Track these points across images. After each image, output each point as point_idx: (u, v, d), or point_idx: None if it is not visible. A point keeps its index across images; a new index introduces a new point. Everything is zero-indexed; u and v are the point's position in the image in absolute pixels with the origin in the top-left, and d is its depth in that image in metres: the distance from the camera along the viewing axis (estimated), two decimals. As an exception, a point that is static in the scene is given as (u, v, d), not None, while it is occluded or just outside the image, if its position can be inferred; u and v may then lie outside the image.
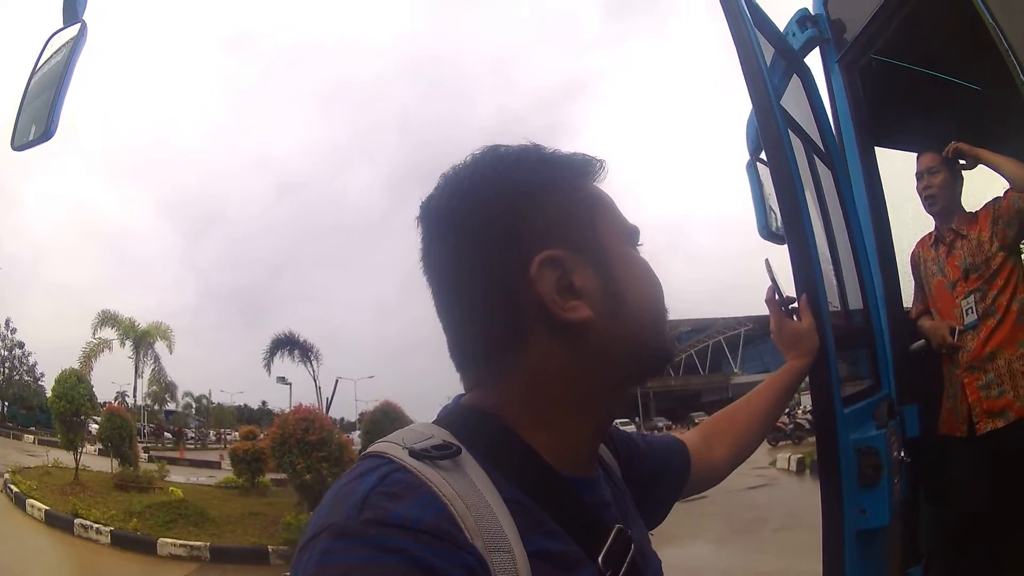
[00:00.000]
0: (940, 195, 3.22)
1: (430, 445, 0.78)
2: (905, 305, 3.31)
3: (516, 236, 0.88)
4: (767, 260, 1.81)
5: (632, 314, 0.91)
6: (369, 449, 0.82)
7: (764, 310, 1.78)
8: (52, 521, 13.31)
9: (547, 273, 0.87)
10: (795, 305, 1.78)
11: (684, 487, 1.31)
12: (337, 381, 35.23)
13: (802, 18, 2.85)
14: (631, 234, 0.97)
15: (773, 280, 1.77)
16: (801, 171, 2.04)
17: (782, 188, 1.90)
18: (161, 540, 11.73)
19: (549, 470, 0.85)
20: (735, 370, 64.29)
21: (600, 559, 0.82)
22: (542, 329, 0.88)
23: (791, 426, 21.57)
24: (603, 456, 1.07)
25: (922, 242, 3.42)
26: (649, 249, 0.99)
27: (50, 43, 2.10)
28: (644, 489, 1.16)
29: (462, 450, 0.80)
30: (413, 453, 0.76)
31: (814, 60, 2.92)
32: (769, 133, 1.92)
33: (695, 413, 51.27)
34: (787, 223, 1.90)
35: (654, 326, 0.94)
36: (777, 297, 1.76)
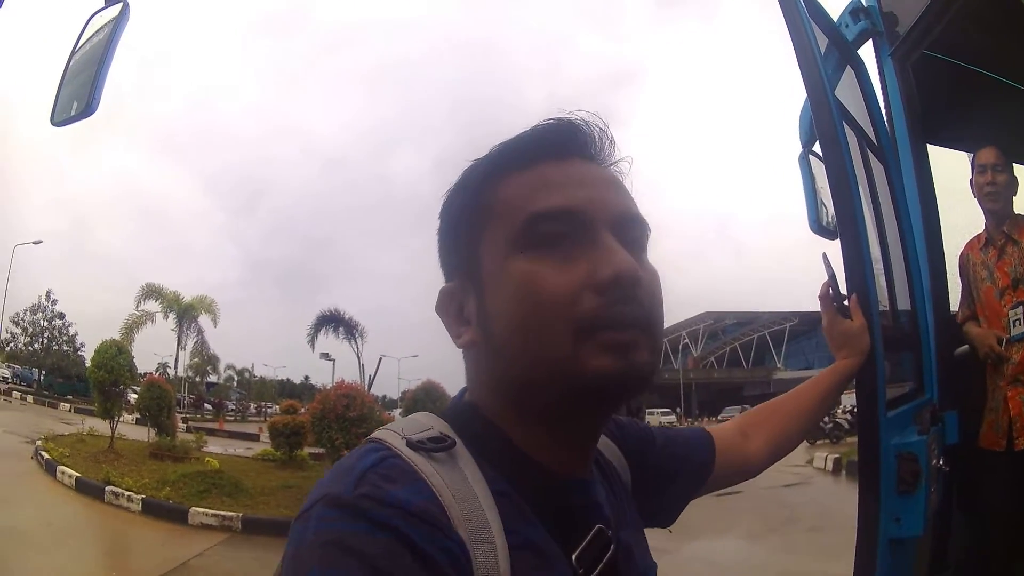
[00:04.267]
0: (1003, 194, 3.15)
1: (426, 437, 0.81)
2: (952, 308, 3.24)
3: (445, 268, 0.97)
4: (824, 254, 1.76)
5: (501, 335, 0.86)
6: (372, 435, 0.84)
7: (810, 306, 1.75)
8: (82, 488, 13.44)
9: (449, 304, 0.93)
10: (847, 303, 1.74)
11: (704, 484, 1.27)
12: (381, 359, 35.83)
13: (855, 9, 2.78)
14: (522, 233, 0.85)
15: (831, 275, 1.73)
16: (854, 165, 1.98)
17: (836, 182, 1.85)
18: (193, 509, 11.84)
19: (532, 464, 0.86)
20: (778, 365, 63.99)
21: (574, 557, 0.82)
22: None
23: (830, 425, 21.37)
24: (605, 456, 1.07)
25: (971, 244, 3.34)
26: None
27: (91, 22, 2.12)
28: (656, 487, 1.16)
29: (456, 443, 0.82)
30: (410, 444, 0.79)
31: (867, 53, 2.86)
32: (824, 125, 1.87)
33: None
34: (840, 219, 1.86)
35: (524, 347, 0.83)
36: (832, 292, 1.72)
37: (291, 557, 0.70)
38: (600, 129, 0.93)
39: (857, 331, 1.69)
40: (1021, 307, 3.02)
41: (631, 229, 0.89)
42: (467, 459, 0.82)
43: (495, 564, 0.74)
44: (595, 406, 0.88)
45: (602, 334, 0.81)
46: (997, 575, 2.87)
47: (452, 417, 0.89)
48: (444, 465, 0.78)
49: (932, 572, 2.55)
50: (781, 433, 1.46)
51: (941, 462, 2.10)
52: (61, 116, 2.08)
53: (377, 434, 0.83)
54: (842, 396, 1.75)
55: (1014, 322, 3.03)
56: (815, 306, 1.72)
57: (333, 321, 34.17)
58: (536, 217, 0.85)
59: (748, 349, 67.32)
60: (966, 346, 3.13)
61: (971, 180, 3.23)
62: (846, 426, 21.67)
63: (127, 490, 12.79)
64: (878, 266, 2.20)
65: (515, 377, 0.86)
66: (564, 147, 0.91)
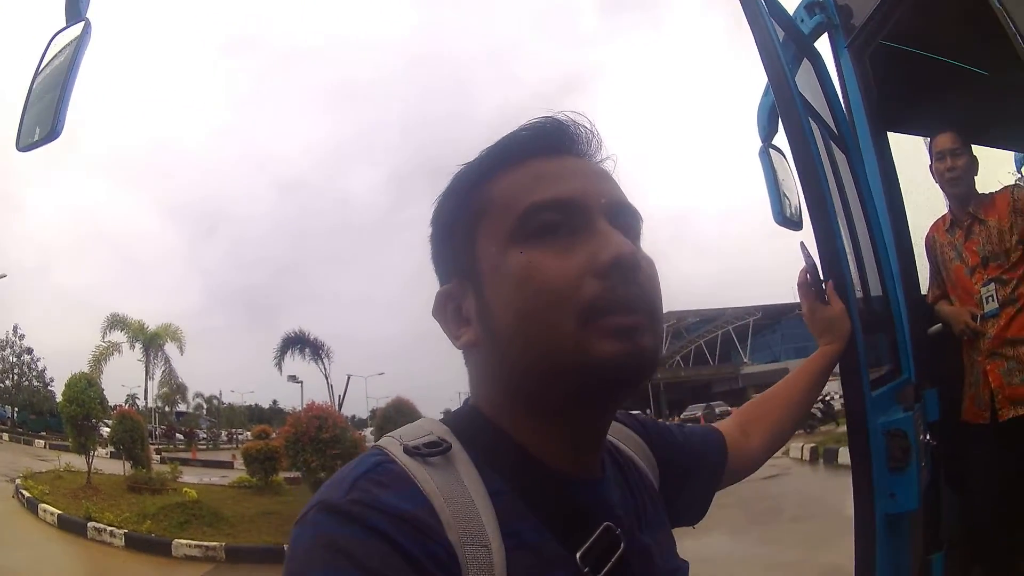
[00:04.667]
0: (964, 177, 3.22)
1: (423, 442, 0.83)
2: (922, 289, 3.30)
3: (440, 273, 0.98)
4: (802, 243, 1.81)
5: (504, 329, 0.86)
6: (374, 443, 0.87)
7: (772, 299, 1.77)
8: (65, 525, 13.27)
9: (446, 306, 0.94)
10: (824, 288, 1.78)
11: (720, 480, 1.30)
12: (349, 378, 35.52)
13: (810, 3, 2.83)
14: (519, 226, 0.86)
15: (811, 264, 1.77)
16: (820, 155, 2.03)
17: (804, 171, 1.89)
18: (176, 541, 11.71)
19: (535, 464, 0.87)
20: (745, 360, 64.20)
21: (579, 555, 0.82)
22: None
23: (802, 416, 21.42)
24: (627, 455, 1.08)
25: (936, 226, 3.42)
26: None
27: (53, 43, 2.07)
28: (681, 485, 1.17)
29: (451, 447, 0.83)
30: (407, 450, 0.81)
31: (822, 46, 2.91)
32: (789, 117, 1.91)
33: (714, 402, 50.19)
34: (811, 209, 1.89)
35: (527, 339, 0.84)
36: (810, 280, 1.76)
37: (289, 560, 0.73)
38: (587, 128, 0.94)
39: (838, 317, 1.73)
40: (993, 284, 3.10)
41: (625, 217, 0.90)
42: (464, 462, 0.83)
43: (489, 566, 0.75)
44: (602, 394, 0.87)
45: (606, 319, 0.81)
46: (990, 547, 2.93)
47: (454, 422, 0.90)
48: (439, 469, 0.80)
49: (927, 548, 2.59)
50: (777, 424, 1.50)
51: (928, 437, 2.15)
52: (26, 141, 2.03)
53: (380, 441, 0.86)
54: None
55: (987, 299, 3.12)
56: (777, 299, 1.76)
57: (299, 343, 33.81)
58: (532, 208, 0.85)
59: (713, 346, 67.50)
60: (939, 325, 3.20)
61: (931, 167, 3.31)
62: (819, 415, 21.83)
63: (109, 525, 12.62)
64: (848, 252, 2.25)
65: (520, 371, 0.86)
66: (553, 144, 0.92)
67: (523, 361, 0.85)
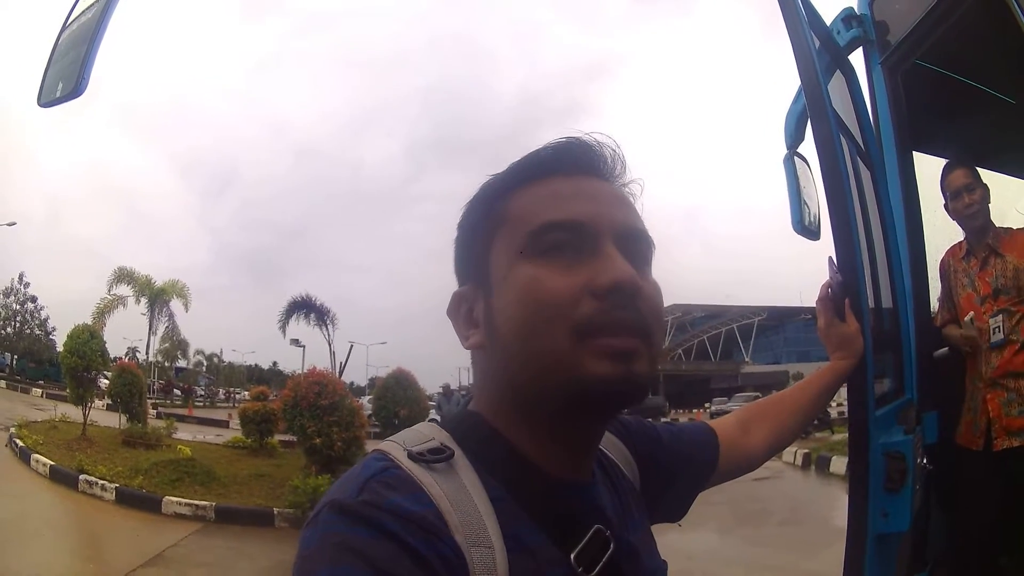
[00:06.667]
0: (981, 211, 3.22)
1: (426, 448, 0.85)
2: (932, 312, 3.31)
3: (459, 275, 1.02)
4: (831, 258, 1.82)
5: (505, 338, 0.89)
6: (376, 446, 0.89)
7: (778, 301, 1.77)
8: (56, 476, 13.24)
9: (459, 307, 0.98)
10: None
11: (709, 479, 1.32)
12: (351, 346, 35.66)
13: (847, 17, 2.83)
14: (529, 241, 0.89)
15: (837, 281, 1.78)
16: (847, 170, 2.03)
17: (830, 184, 1.88)
18: (166, 499, 11.67)
19: (532, 470, 0.90)
20: (746, 359, 64.27)
21: (573, 556, 0.85)
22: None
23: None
24: (611, 457, 1.11)
25: (952, 251, 3.42)
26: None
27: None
28: (664, 485, 1.19)
29: (454, 454, 0.86)
30: (411, 456, 0.83)
31: (856, 60, 2.91)
32: (819, 126, 1.90)
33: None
34: (833, 221, 1.89)
35: (526, 350, 0.87)
36: (830, 294, 1.77)
37: (300, 559, 0.75)
38: (612, 150, 0.96)
39: (853, 334, 1.75)
40: (1001, 315, 3.11)
41: (635, 243, 0.92)
42: (466, 468, 0.85)
43: (493, 567, 0.78)
44: (592, 411, 0.91)
45: (602, 339, 0.83)
46: (972, 572, 2.96)
47: (454, 427, 0.92)
48: (443, 475, 0.82)
49: (911, 568, 2.61)
50: (780, 428, 1.52)
51: (925, 461, 2.17)
52: (48, 97, 2.02)
53: (382, 444, 0.88)
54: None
55: (993, 329, 3.12)
56: (783, 301, 1.75)
57: (305, 307, 33.72)
58: (544, 227, 0.88)
59: (716, 342, 67.60)
60: (945, 348, 3.21)
61: (945, 205, 3.31)
62: (815, 422, 21.85)
63: (101, 479, 12.57)
64: (865, 269, 2.25)
65: (518, 380, 0.89)
66: (576, 164, 0.94)
67: (522, 371, 0.88)
